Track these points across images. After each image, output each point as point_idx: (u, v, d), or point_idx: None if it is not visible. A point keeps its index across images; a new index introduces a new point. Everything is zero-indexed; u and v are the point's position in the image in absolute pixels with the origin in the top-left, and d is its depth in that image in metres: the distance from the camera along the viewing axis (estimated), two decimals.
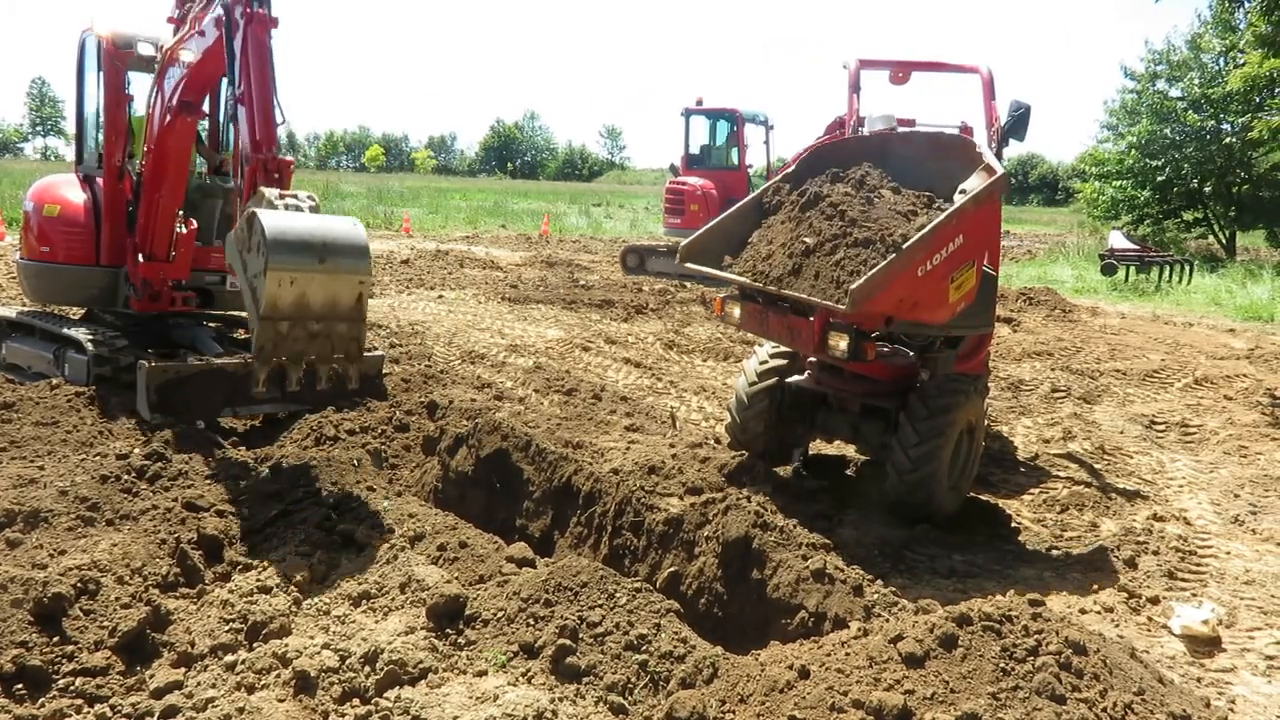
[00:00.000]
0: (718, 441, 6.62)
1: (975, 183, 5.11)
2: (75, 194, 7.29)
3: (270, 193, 4.78)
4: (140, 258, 6.92)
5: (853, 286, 4.63)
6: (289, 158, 5.22)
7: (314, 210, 4.78)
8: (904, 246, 4.75)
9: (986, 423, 7.15)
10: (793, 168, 5.86)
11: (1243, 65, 23.07)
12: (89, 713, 3.13)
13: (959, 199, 5.01)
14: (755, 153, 19.54)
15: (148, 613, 3.53)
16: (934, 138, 5.80)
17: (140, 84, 7.34)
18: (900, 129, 6.20)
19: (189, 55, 5.89)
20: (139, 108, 7.31)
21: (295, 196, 4.80)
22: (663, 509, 4.77)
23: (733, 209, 5.87)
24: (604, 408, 7.84)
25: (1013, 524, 5.91)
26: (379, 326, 10.97)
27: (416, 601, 3.56)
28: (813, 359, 5.92)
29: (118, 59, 7.00)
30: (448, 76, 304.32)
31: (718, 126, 20.31)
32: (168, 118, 6.31)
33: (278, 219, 4.50)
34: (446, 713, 2.99)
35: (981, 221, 5.10)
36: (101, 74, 7.11)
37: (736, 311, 5.56)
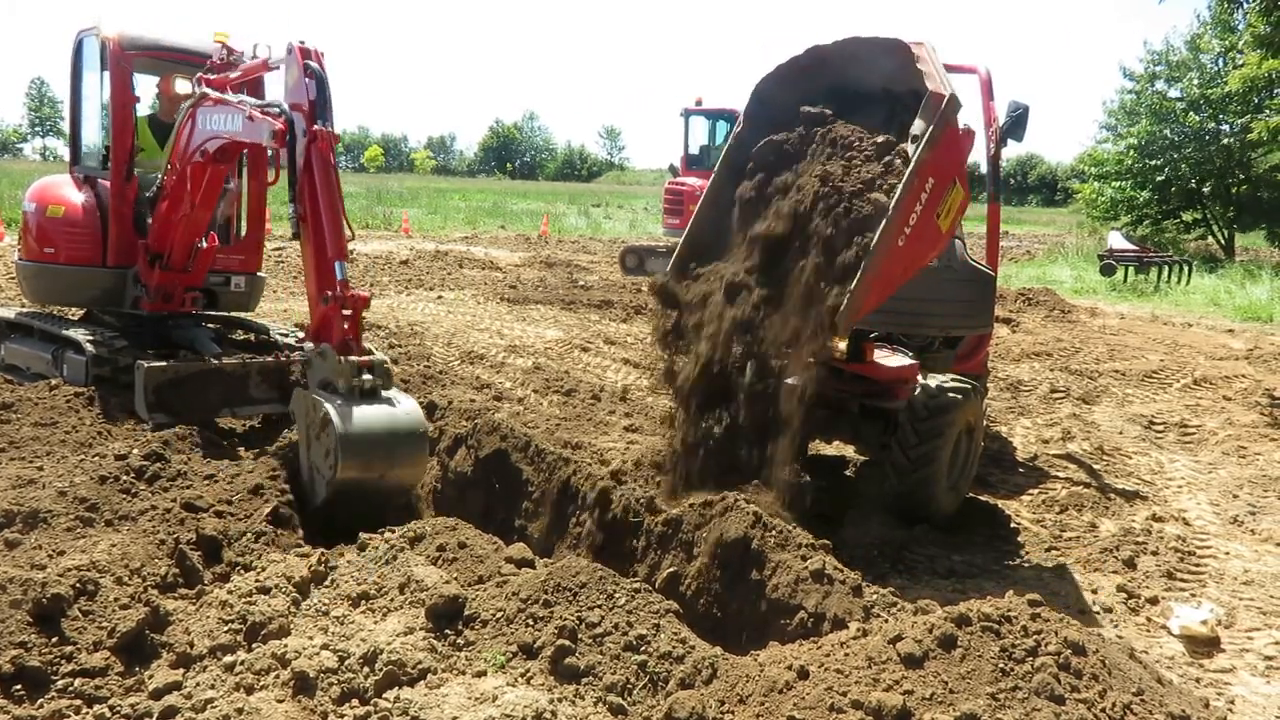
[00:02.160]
0: None
1: (922, 124, 4.70)
2: (75, 194, 7.29)
3: (345, 368, 4.74)
4: (157, 266, 6.90)
5: (838, 317, 4.53)
6: (363, 292, 5.12)
7: (384, 384, 4.82)
8: (871, 249, 4.52)
9: (985, 423, 7.15)
10: (741, 124, 5.51)
11: (1241, 66, 23.08)
12: (88, 713, 3.13)
13: (912, 150, 4.69)
14: None
15: (147, 613, 3.52)
16: (868, 43, 5.21)
17: (143, 85, 7.36)
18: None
19: (235, 128, 5.76)
20: (141, 108, 7.31)
21: (370, 371, 4.78)
22: (662, 510, 4.76)
23: (700, 206, 5.59)
24: (603, 408, 7.85)
25: (1012, 524, 5.92)
26: (378, 327, 10.97)
27: (416, 602, 3.55)
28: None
29: (125, 61, 6.99)
30: (447, 77, 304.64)
31: (717, 127, 20.32)
32: (197, 156, 6.19)
33: (351, 428, 4.55)
34: (445, 713, 2.98)
35: (945, 153, 4.72)
36: (107, 75, 7.10)
37: None
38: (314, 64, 5.21)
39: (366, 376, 4.74)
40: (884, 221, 4.52)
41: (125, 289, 7.14)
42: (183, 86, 6.61)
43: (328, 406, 4.63)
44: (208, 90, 6.03)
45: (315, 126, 5.10)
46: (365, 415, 4.63)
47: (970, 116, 7.16)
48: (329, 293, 4.99)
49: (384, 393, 4.81)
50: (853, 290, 4.51)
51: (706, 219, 5.49)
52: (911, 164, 4.59)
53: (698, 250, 5.45)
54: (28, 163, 71.27)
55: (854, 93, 5.23)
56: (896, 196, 4.54)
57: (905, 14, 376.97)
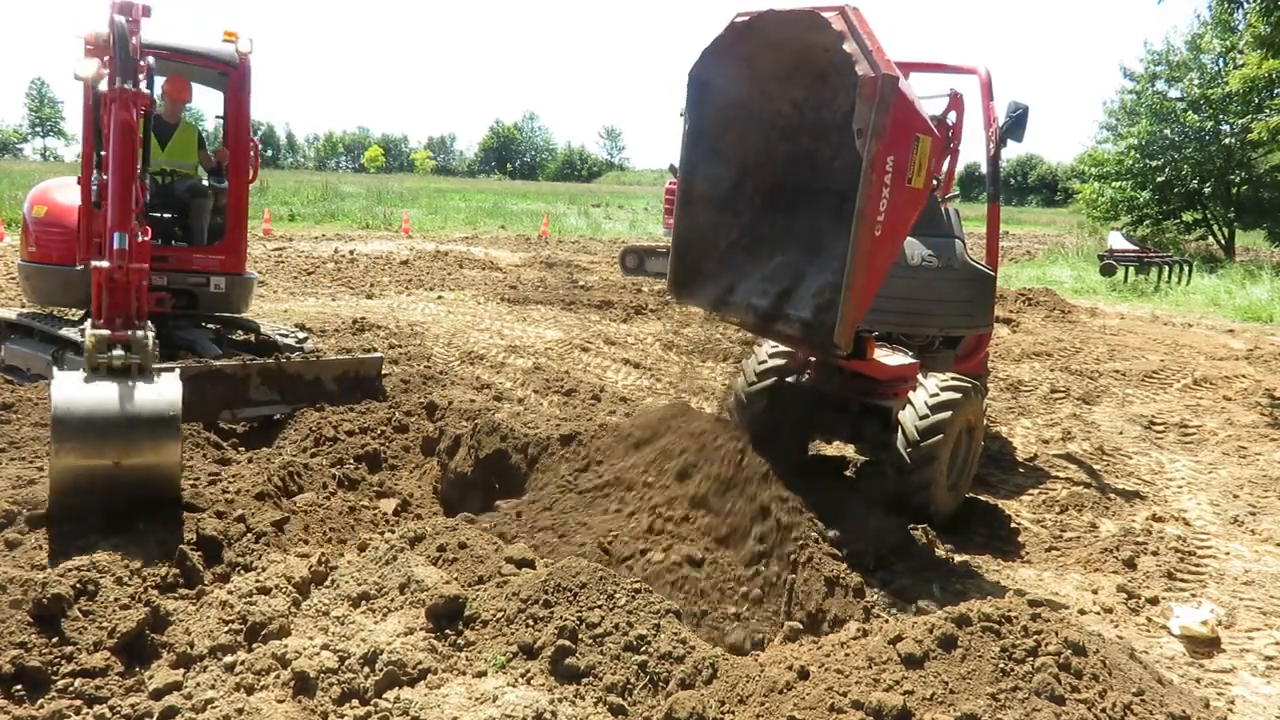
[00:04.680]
0: None
1: (864, 115, 4.31)
2: (64, 196, 7.36)
3: (93, 342, 4.23)
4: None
5: (835, 335, 4.49)
6: (142, 265, 4.60)
7: (143, 363, 4.29)
8: (848, 268, 4.41)
9: (986, 423, 7.15)
10: (688, 115, 5.25)
11: (1242, 66, 23.09)
12: (88, 713, 3.13)
13: (860, 146, 4.40)
14: None
15: (147, 613, 3.52)
16: (785, 15, 4.75)
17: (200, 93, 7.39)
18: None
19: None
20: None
21: (125, 347, 4.27)
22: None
23: (676, 212, 5.57)
24: (603, 408, 7.85)
25: (1012, 524, 5.92)
26: (378, 327, 10.97)
27: (416, 602, 3.55)
28: (812, 358, 5.93)
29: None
30: (447, 77, 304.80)
31: None
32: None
33: (70, 409, 3.99)
34: (446, 713, 2.99)
35: (896, 133, 4.41)
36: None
37: None
38: (121, 16, 4.79)
39: (117, 353, 4.24)
40: (853, 231, 4.37)
41: None
42: (85, 68, 6.47)
43: (52, 384, 4.10)
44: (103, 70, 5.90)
45: (115, 85, 4.70)
46: (92, 395, 4.07)
47: (970, 117, 7.21)
48: (100, 263, 4.54)
49: (143, 372, 4.29)
50: (842, 306, 4.46)
51: (687, 221, 5.49)
52: (865, 162, 4.35)
53: (692, 255, 5.46)
54: (28, 163, 71.33)
55: (788, 56, 5.02)
56: (858, 202, 4.36)
57: (905, 14, 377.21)
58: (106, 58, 5.89)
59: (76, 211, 7.19)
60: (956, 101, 6.47)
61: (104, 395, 4.11)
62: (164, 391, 4.25)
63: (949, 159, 7.05)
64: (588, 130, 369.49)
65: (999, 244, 7.39)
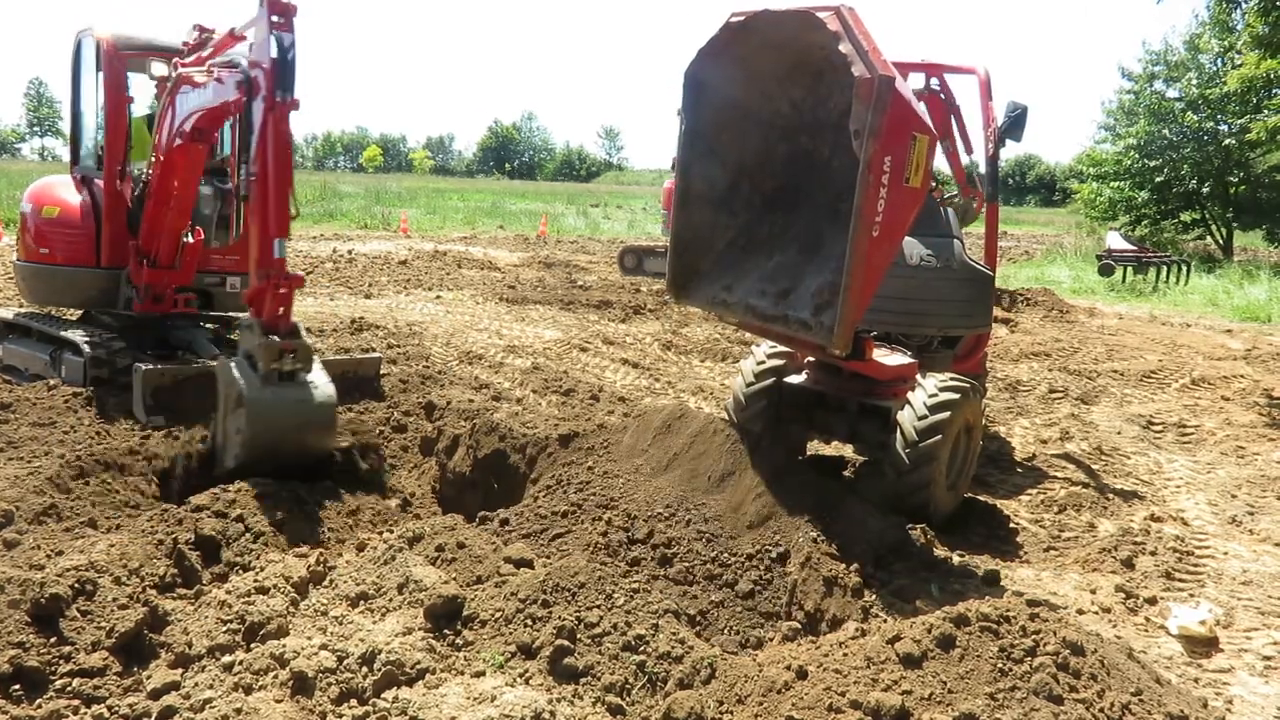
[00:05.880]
0: None
1: (860, 115, 4.26)
2: (73, 195, 7.29)
3: (267, 349, 5.02)
4: (145, 264, 6.90)
5: (834, 335, 4.49)
6: (299, 273, 5.33)
7: (305, 367, 5.16)
8: (846, 268, 4.39)
9: (984, 423, 7.15)
10: (685, 116, 5.22)
11: (1240, 66, 23.08)
12: (86, 713, 3.13)
13: (857, 146, 4.36)
14: None
15: (145, 613, 3.52)
16: (781, 15, 4.71)
17: (138, 85, 7.35)
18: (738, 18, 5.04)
19: (207, 97, 5.75)
20: (138, 108, 7.31)
21: (293, 354, 5.10)
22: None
23: (675, 211, 5.47)
24: (602, 408, 7.84)
25: (1010, 524, 5.92)
26: (376, 327, 10.97)
27: (414, 602, 3.55)
28: (810, 359, 5.93)
29: (118, 60, 6.99)
30: (446, 77, 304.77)
31: None
32: (178, 140, 6.18)
33: (261, 414, 4.97)
34: (444, 713, 2.98)
35: (892, 133, 4.31)
36: (101, 75, 7.10)
37: None
38: (278, 17, 5.07)
39: (287, 360, 5.07)
40: (851, 231, 4.34)
41: (119, 290, 7.14)
42: (159, 69, 6.55)
43: (243, 387, 4.99)
44: (183, 71, 5.96)
45: (275, 97, 5.06)
46: (277, 402, 5.03)
47: (969, 117, 7.22)
48: (265, 270, 5.19)
49: (302, 375, 5.16)
50: (840, 306, 4.44)
51: (685, 221, 5.47)
52: (861, 163, 4.31)
53: (691, 253, 5.45)
54: (26, 163, 71.33)
55: (787, 56, 4.99)
56: (856, 202, 4.33)
57: (904, 14, 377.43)
58: (177, 60, 6.03)
59: (91, 211, 7.15)
60: (932, 68, 6.50)
61: (286, 398, 5.09)
62: (324, 391, 5.22)
63: (953, 116, 7.13)
64: (586, 130, 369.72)
65: (997, 244, 7.40)
